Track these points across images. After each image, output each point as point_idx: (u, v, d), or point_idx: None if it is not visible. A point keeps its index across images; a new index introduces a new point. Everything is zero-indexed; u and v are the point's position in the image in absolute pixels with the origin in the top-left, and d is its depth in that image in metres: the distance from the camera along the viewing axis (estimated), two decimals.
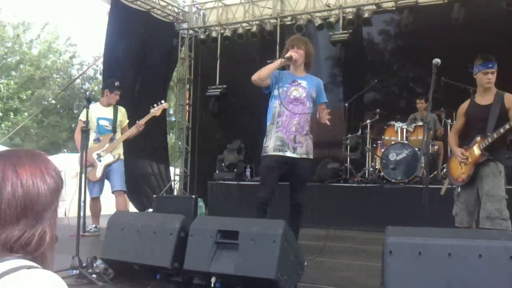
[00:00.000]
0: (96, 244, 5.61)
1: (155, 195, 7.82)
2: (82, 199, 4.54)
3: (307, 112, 4.59)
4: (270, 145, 4.54)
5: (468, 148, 4.29)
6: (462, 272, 2.63)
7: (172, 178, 11.20)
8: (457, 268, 2.65)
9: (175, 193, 11.08)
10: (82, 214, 4.62)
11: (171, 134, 16.03)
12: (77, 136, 6.30)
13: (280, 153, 4.48)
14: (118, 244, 3.80)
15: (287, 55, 4.56)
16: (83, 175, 4.56)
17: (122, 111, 6.57)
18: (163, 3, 10.61)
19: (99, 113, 6.44)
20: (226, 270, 3.18)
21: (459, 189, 4.35)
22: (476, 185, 4.19)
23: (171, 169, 11.38)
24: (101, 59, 10.46)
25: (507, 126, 3.97)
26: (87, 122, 4.83)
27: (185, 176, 11.10)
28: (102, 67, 12.18)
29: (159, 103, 6.54)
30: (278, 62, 4.56)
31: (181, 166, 11.23)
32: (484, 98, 4.31)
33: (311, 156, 4.63)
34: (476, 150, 4.18)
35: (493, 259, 2.62)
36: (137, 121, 6.41)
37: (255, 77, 4.61)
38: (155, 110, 6.48)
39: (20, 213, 1.16)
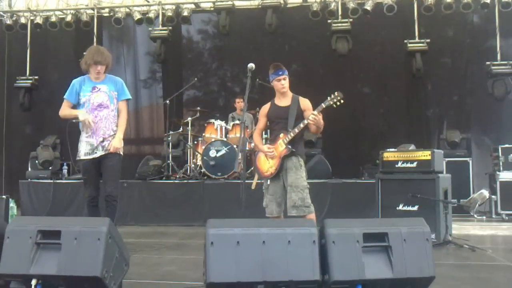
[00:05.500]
0: None
1: None
2: None
3: (112, 114, 4.95)
4: (81, 151, 4.92)
5: (274, 144, 4.76)
6: (275, 257, 2.98)
7: None
8: (270, 253, 2.99)
9: None
10: None
11: None
12: None
13: (91, 157, 4.89)
14: None
15: (86, 122, 4.80)
16: None
17: None
18: None
19: None
20: (48, 271, 3.07)
21: (268, 182, 4.79)
22: (282, 177, 4.70)
23: None
24: None
25: (305, 121, 4.54)
26: None
27: None
28: None
29: None
30: (78, 117, 4.85)
31: None
32: (282, 101, 4.84)
33: (119, 151, 4.96)
34: (282, 144, 4.67)
35: (299, 243, 3.03)
36: None
37: (60, 113, 4.98)
38: None
39: None
